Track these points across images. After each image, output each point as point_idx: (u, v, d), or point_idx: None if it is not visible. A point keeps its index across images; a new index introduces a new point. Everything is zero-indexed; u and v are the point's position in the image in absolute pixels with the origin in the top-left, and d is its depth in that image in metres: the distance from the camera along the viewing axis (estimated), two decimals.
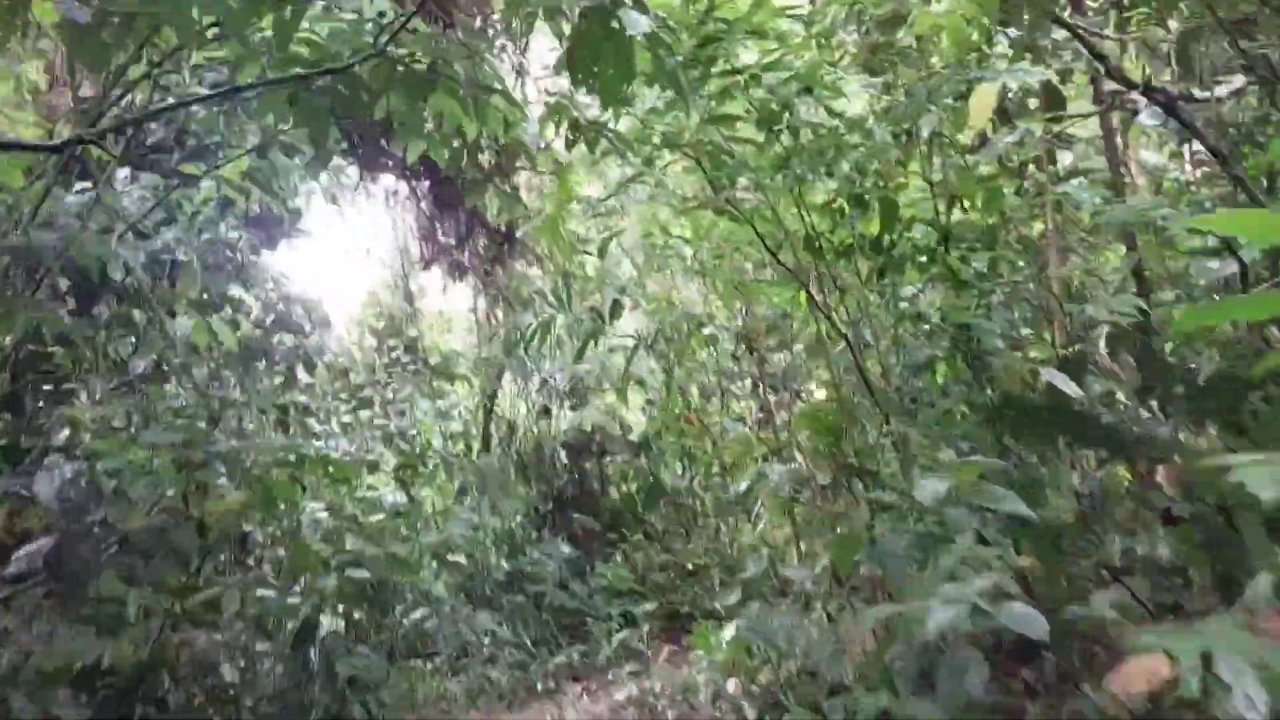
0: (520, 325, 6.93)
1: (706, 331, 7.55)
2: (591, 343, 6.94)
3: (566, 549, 9.42)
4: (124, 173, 6.69)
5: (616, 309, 6.91)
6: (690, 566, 8.82)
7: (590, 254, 7.43)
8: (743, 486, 5.70)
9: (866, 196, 6.10)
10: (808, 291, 5.55)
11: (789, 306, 7.85)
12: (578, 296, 7.04)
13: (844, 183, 6.18)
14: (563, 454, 10.19)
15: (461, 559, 9.29)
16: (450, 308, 14.66)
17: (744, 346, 9.79)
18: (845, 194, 6.30)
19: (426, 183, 10.78)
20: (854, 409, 6.10)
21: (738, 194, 5.88)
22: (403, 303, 12.91)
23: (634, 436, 9.80)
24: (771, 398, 9.81)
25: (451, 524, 9.61)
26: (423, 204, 11.38)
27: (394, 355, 12.20)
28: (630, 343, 7.25)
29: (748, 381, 9.70)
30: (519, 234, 10.77)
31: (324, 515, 6.24)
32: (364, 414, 9.45)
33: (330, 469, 6.42)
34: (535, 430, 10.92)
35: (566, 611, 8.82)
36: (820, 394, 8.47)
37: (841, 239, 6.34)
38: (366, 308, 13.50)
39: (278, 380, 7.02)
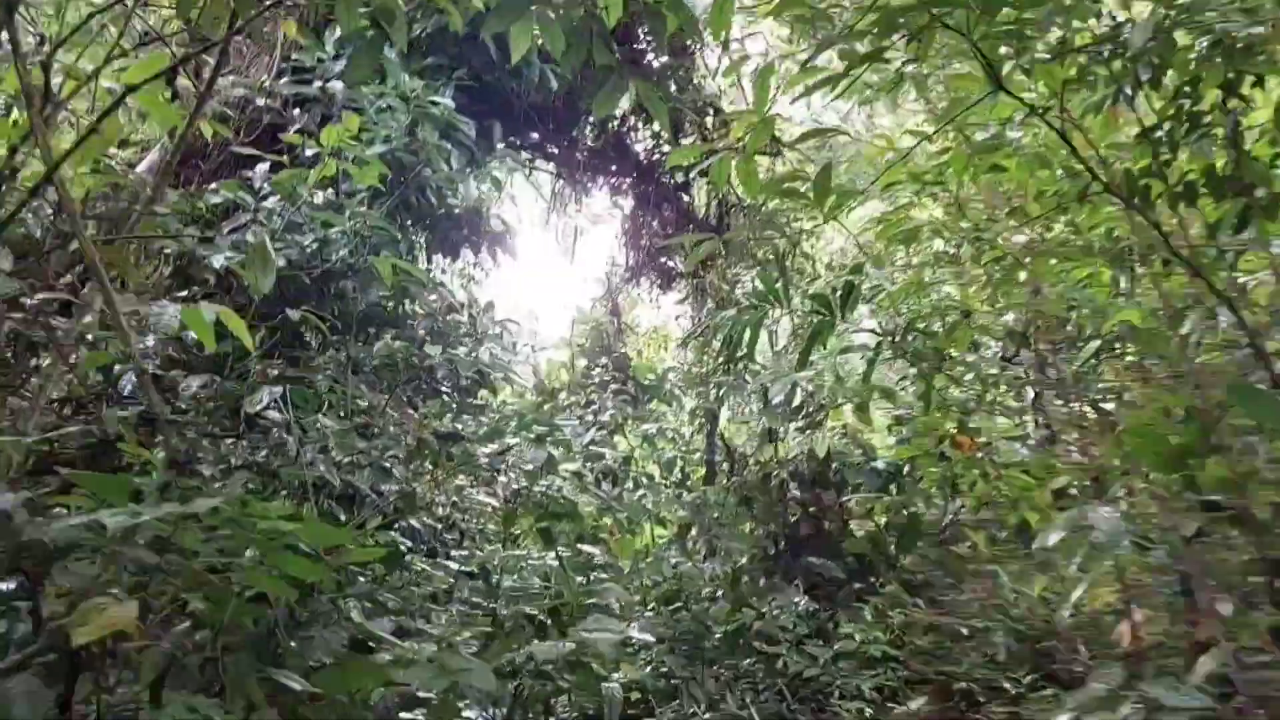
0: (721, 325, 5.34)
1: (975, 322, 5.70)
2: (819, 343, 5.26)
3: (802, 600, 7.72)
4: (263, 167, 5.73)
5: (850, 296, 5.22)
6: (965, 630, 6.88)
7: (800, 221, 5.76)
8: (1052, 539, 3.88)
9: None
10: (1162, 237, 3.66)
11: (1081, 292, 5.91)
12: (800, 285, 5.42)
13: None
14: (793, 485, 8.52)
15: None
16: (665, 318, 13.37)
17: (1019, 345, 7.81)
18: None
19: (629, 179, 9.48)
20: (1216, 422, 4.12)
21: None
22: (610, 317, 11.71)
23: (880, 463, 7.97)
24: (1058, 409, 7.77)
25: (662, 568, 8.18)
26: (625, 201, 10.10)
27: (599, 377, 11.01)
28: (870, 342, 5.53)
29: (1025, 391, 7.70)
30: (731, 227, 9.24)
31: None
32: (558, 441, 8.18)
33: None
34: (759, 458, 9.33)
35: (805, 681, 7.11)
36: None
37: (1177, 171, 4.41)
38: (577, 324, 12.42)
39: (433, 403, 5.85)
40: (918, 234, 5.61)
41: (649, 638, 4.87)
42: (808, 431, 8.42)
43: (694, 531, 9.46)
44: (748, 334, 5.46)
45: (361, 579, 3.76)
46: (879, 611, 7.26)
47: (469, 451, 5.59)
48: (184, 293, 5.74)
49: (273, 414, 4.08)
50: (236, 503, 2.24)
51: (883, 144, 4.91)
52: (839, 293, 5.13)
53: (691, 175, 9.40)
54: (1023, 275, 6.62)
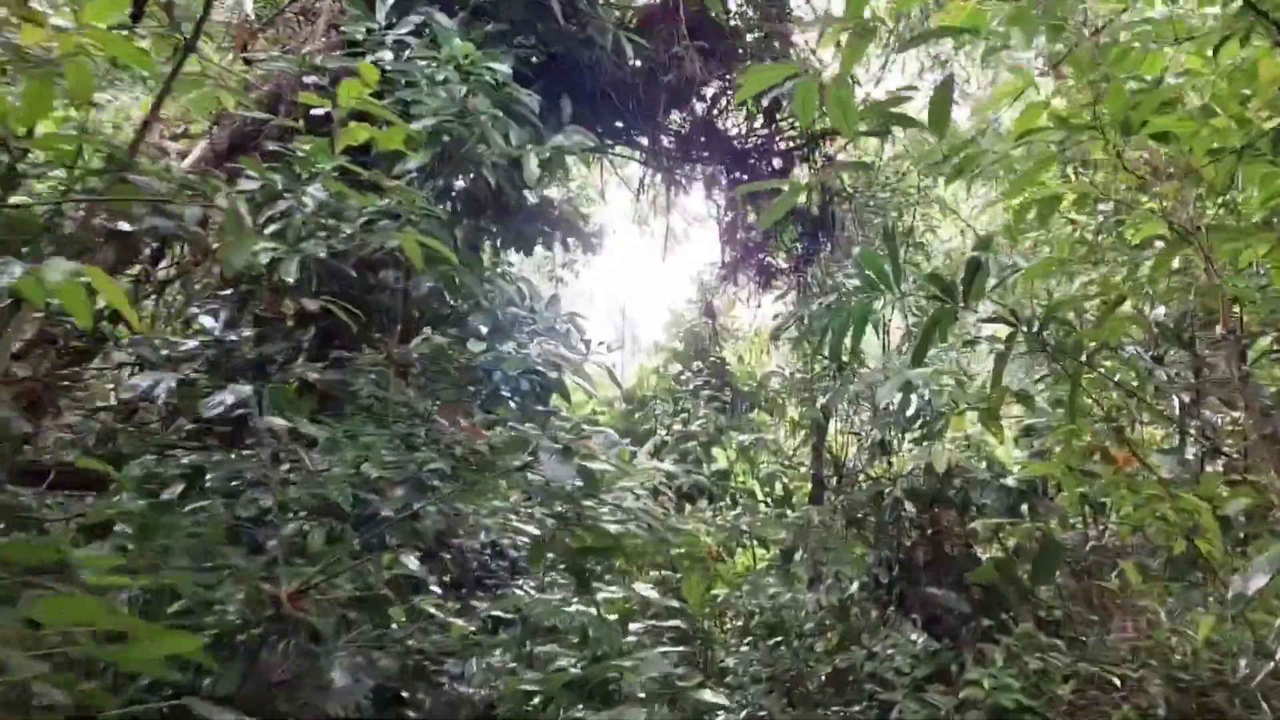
0: (818, 318, 4.48)
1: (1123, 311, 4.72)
2: (937, 337, 4.39)
3: (920, 638, 6.74)
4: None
5: (975, 278, 4.31)
6: (1115, 679, 5.81)
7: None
8: (1257, 582, 2.90)
9: None
10: None
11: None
12: (913, 271, 4.50)
13: None
14: (908, 504, 7.54)
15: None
16: (767, 320, 12.47)
17: (1172, 342, 6.68)
18: None
19: (721, 165, 8.64)
20: None
21: None
22: (704, 318, 10.88)
23: (1010, 479, 6.93)
24: (1219, 418, 6.62)
25: (760, 597, 7.32)
26: (719, 193, 9.26)
27: (692, 382, 10.20)
28: (1000, 334, 4.59)
29: (1172, 397, 6.58)
30: (835, 216, 8.31)
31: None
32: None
33: None
34: (870, 472, 8.37)
35: None
36: None
37: None
38: (669, 328, 11.64)
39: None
40: (1057, 204, 4.65)
41: (722, 701, 4.00)
42: (925, 443, 7.43)
43: (797, 556, 8.57)
44: (851, 328, 4.57)
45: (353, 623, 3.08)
46: (1010, 653, 6.23)
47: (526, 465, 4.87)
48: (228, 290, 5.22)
49: (277, 421, 3.45)
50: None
51: (1015, 82, 3.97)
52: (962, 275, 4.22)
53: (792, 160, 8.53)
54: (1176, 260, 5.56)
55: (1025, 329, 4.48)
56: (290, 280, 4.44)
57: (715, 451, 10.30)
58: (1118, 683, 5.80)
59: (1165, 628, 5.96)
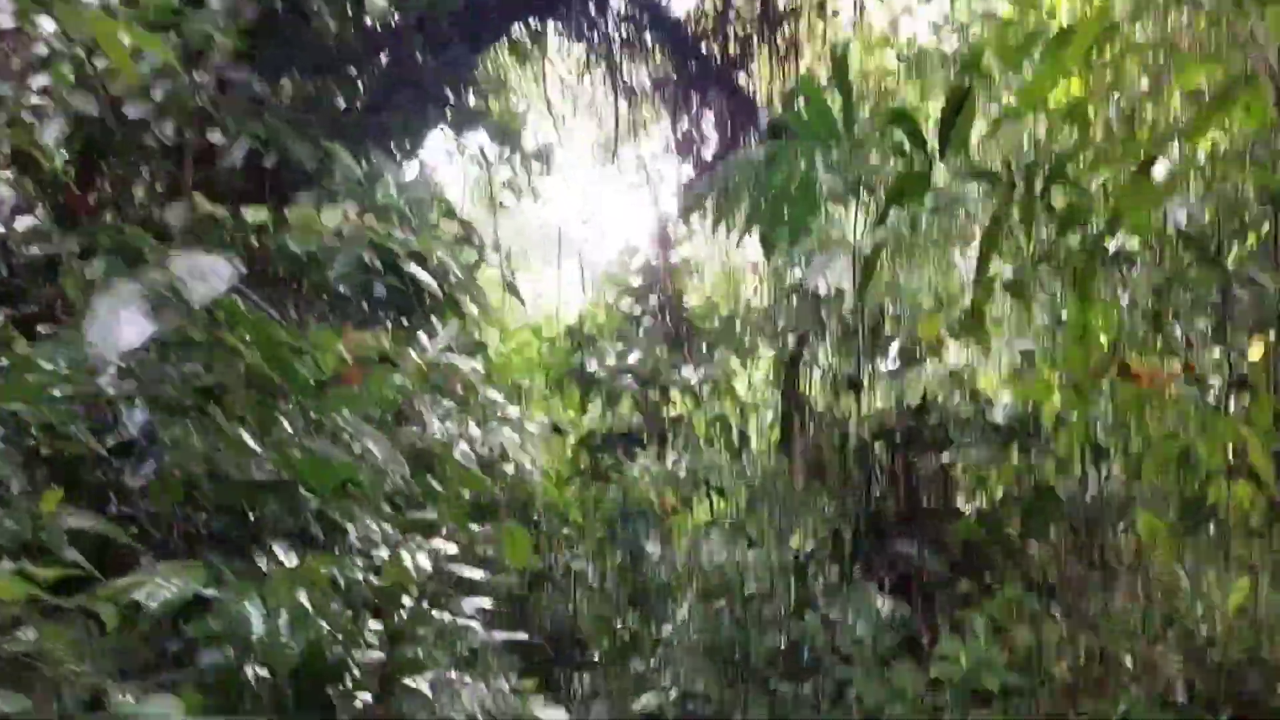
0: (741, 172, 3.28)
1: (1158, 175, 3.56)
2: (907, 199, 3.27)
3: (887, 603, 5.62)
4: None
5: (958, 118, 3.19)
6: (1126, 655, 4.72)
7: None
8: None
9: None
10: None
11: None
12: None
13: None
14: (876, 447, 6.39)
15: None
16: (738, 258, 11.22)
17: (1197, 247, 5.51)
18: None
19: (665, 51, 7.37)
20: None
21: None
22: (656, 248, 9.67)
23: (999, 415, 5.78)
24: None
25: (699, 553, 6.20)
26: (670, 93, 8.00)
27: (641, 317, 9.02)
28: (988, 198, 3.45)
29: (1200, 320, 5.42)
30: None
31: None
32: None
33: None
34: (836, 412, 7.20)
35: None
36: None
37: None
38: (622, 259, 10.38)
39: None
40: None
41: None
42: (903, 373, 6.26)
43: (759, 509, 7.45)
44: (786, 188, 3.40)
45: None
46: (995, 623, 5.11)
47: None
48: None
49: None
50: None
51: None
52: (940, 116, 3.04)
53: (749, 47, 7.28)
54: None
55: (1018, 190, 3.30)
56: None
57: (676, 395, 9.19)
58: (1126, 660, 4.70)
59: (1185, 593, 4.84)
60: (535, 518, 12.57)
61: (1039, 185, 3.26)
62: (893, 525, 6.26)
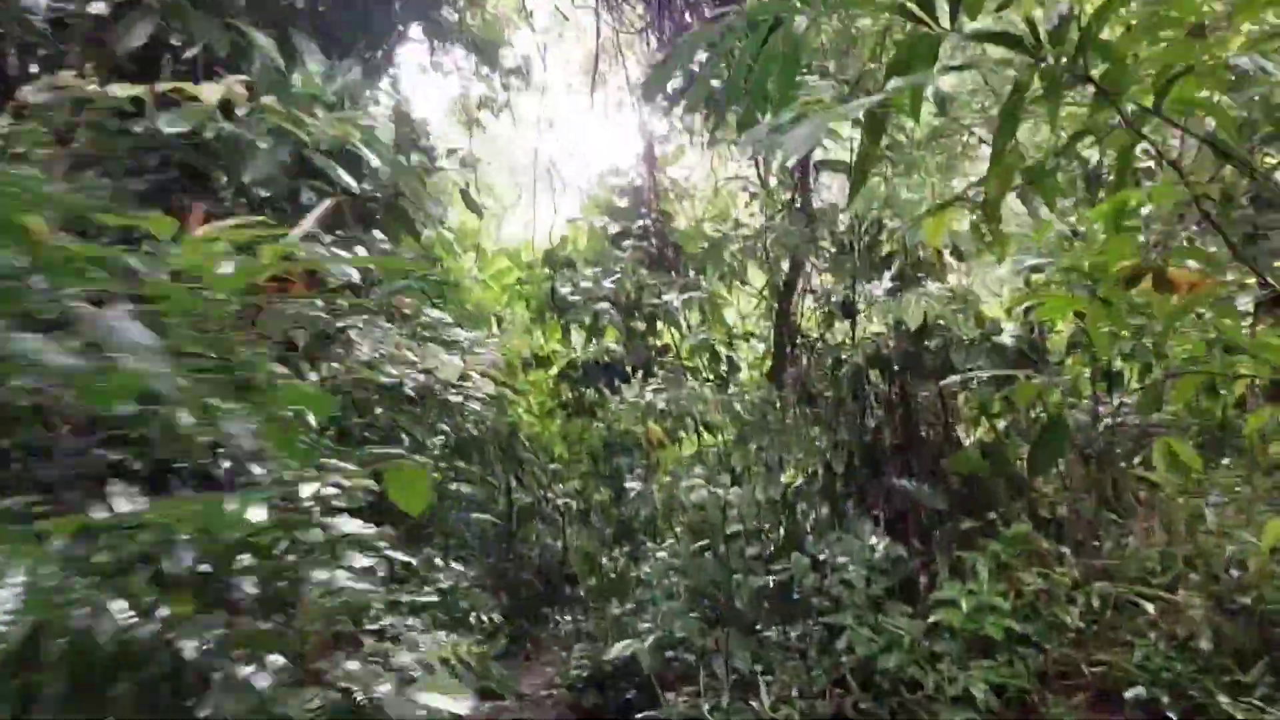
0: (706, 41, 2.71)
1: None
2: (915, 63, 2.65)
3: (880, 543, 5.18)
4: None
5: None
6: (1146, 601, 4.28)
7: None
8: None
9: None
10: None
11: None
12: None
13: None
14: (874, 375, 5.89)
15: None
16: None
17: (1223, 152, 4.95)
18: None
19: None
20: None
21: None
22: (641, 164, 9.07)
23: (1006, 336, 5.29)
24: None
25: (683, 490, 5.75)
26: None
27: (624, 242, 8.46)
28: (1005, 62, 2.88)
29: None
30: None
31: None
32: None
33: None
34: (830, 337, 6.70)
35: (878, 670, 4.61)
36: None
37: None
38: (605, 180, 9.78)
39: None
40: None
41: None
42: (900, 293, 5.74)
43: (747, 442, 7.01)
44: (763, 55, 2.82)
45: None
46: (999, 564, 4.68)
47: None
48: None
49: None
50: None
51: None
52: None
53: None
54: None
55: (1044, 50, 2.72)
56: None
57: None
58: (1147, 606, 4.26)
59: (1211, 530, 4.39)
60: (520, 453, 12.21)
61: (1070, 51, 2.68)
62: (888, 458, 5.81)
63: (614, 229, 9.11)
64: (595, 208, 9.50)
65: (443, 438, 9.34)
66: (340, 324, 3.42)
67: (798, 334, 7.44)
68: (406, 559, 3.80)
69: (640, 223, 9.04)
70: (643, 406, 5.75)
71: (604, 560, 10.16)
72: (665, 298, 7.39)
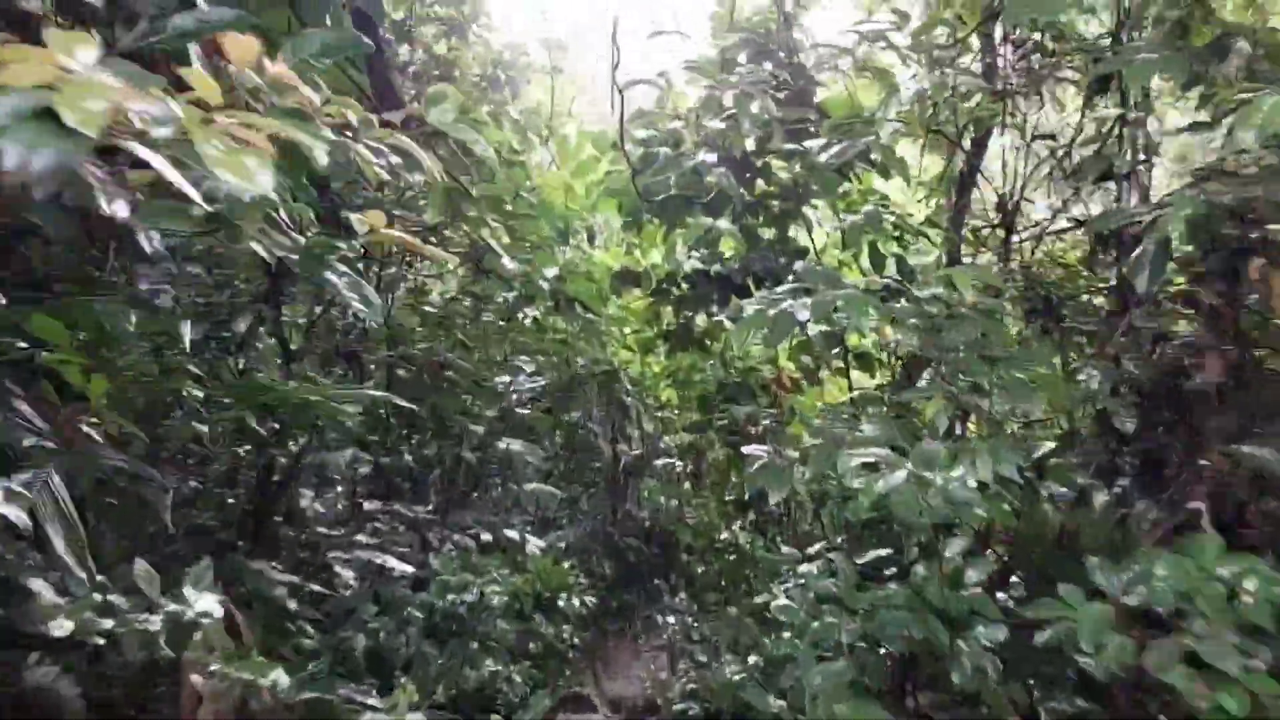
0: None
1: None
2: None
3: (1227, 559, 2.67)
4: None
5: None
6: None
7: None
8: None
9: None
10: None
11: None
12: None
13: None
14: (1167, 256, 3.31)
15: None
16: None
17: None
18: None
19: None
20: None
21: None
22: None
23: None
24: None
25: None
26: None
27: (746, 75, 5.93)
28: None
29: None
30: None
31: None
32: None
33: None
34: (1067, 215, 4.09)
35: None
36: None
37: None
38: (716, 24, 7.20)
39: None
40: None
41: None
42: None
43: (925, 377, 4.56)
44: None
45: None
46: None
47: None
48: None
49: None
50: None
51: None
52: None
53: None
54: None
55: None
56: None
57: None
58: None
59: None
60: (622, 397, 9.98)
61: None
62: (1212, 409, 3.26)
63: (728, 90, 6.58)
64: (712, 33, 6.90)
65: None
66: None
67: (1002, 208, 4.82)
68: None
69: (765, 69, 6.42)
70: (770, 320, 3.31)
71: (722, 535, 7.89)
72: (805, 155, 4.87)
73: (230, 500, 4.36)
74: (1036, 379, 3.17)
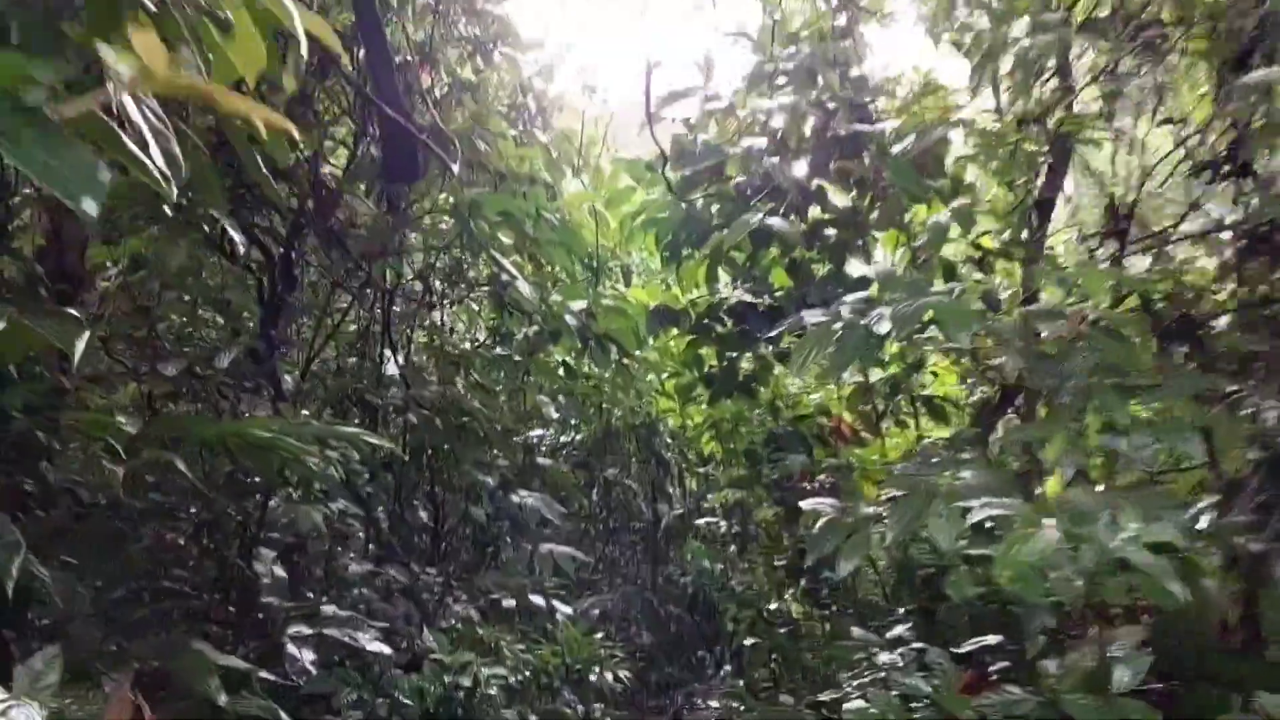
0: None
1: None
2: None
3: None
4: None
5: None
6: None
7: None
8: None
9: None
10: None
11: None
12: None
13: None
14: None
15: None
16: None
17: None
18: None
19: None
20: None
21: None
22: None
23: None
24: None
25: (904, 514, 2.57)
26: None
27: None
28: None
29: None
30: None
31: None
32: None
33: None
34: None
35: None
36: None
37: None
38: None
39: None
40: None
41: None
42: None
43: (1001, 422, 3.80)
44: None
45: None
46: None
47: None
48: None
49: None
50: None
51: None
52: None
53: None
54: None
55: None
56: None
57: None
58: None
59: None
60: (660, 450, 9.29)
61: None
62: None
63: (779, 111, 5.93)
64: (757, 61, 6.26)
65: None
66: None
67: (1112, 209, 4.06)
68: None
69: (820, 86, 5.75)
70: (838, 336, 2.56)
71: (772, 604, 7.04)
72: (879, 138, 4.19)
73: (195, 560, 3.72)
74: (1194, 414, 2.40)
